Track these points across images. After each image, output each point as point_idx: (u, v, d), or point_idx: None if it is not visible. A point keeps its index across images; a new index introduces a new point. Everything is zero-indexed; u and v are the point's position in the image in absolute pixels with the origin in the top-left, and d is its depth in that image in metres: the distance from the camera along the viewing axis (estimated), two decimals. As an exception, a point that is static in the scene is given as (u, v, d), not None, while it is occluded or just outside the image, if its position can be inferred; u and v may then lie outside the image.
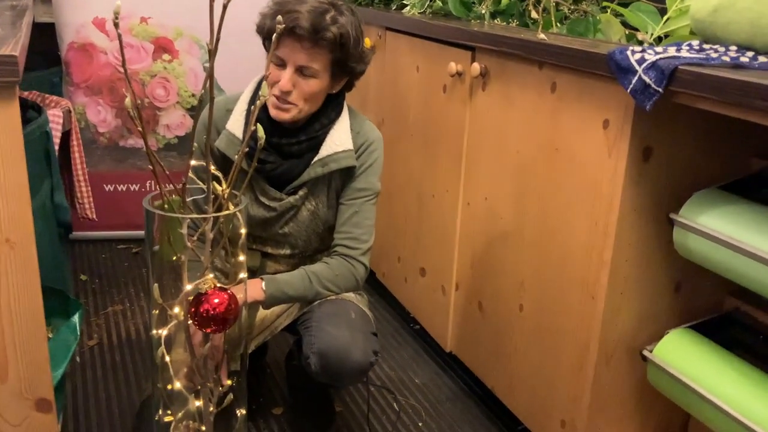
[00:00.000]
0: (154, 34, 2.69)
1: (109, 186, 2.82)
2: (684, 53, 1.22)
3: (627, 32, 1.46)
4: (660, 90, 1.16)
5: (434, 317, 2.08)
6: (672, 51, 1.23)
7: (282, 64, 1.44)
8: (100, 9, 2.62)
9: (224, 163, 1.54)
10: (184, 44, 2.72)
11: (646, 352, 1.42)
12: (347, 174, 1.56)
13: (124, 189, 2.84)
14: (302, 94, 1.45)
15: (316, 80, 1.45)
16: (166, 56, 2.72)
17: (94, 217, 2.49)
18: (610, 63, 1.26)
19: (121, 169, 2.81)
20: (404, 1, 2.20)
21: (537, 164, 1.55)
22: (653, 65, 1.17)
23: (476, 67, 1.70)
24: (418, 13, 2.07)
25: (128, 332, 2.21)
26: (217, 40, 1.09)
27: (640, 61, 1.19)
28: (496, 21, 1.85)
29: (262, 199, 1.56)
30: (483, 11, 1.80)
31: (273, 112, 1.47)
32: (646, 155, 1.32)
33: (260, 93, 1.18)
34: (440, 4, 2.01)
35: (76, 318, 1.57)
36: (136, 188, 2.85)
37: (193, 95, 2.78)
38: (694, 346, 1.40)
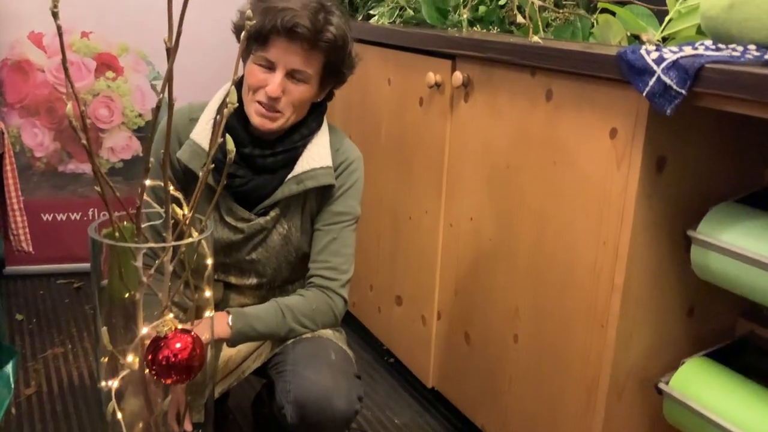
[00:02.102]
0: (96, 49, 2.48)
1: (46, 215, 2.57)
2: (702, 52, 1.10)
3: (628, 34, 1.34)
4: (683, 92, 1.04)
5: (413, 350, 1.91)
6: (689, 50, 1.11)
7: (270, 67, 1.28)
8: (37, 23, 2.40)
9: (186, 178, 1.35)
10: (130, 60, 2.52)
11: (662, 385, 1.29)
12: (324, 195, 1.39)
13: (64, 218, 2.60)
14: (291, 100, 1.29)
15: (307, 86, 1.30)
16: (109, 74, 2.51)
17: (30, 249, 2.25)
18: (621, 64, 1.13)
19: (61, 197, 2.58)
20: (371, 12, 2.06)
21: (531, 180, 1.41)
22: (674, 64, 1.05)
23: (458, 76, 1.56)
24: (388, 22, 1.93)
25: (71, 378, 1.97)
26: (178, 35, 0.92)
27: (659, 61, 1.07)
28: (474, 28, 1.72)
29: (228, 219, 1.37)
30: (461, 18, 1.67)
31: (257, 121, 1.30)
32: (660, 166, 1.19)
33: (228, 99, 1.01)
34: (411, 12, 1.87)
35: (9, 368, 1.36)
36: (77, 217, 2.61)
37: (140, 115, 2.57)
38: (713, 376, 1.27)
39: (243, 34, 1.02)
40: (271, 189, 1.35)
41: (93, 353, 2.11)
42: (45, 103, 2.46)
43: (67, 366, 2.04)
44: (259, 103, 1.28)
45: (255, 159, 1.32)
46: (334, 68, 1.32)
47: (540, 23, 1.47)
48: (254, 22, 1.25)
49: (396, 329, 2.00)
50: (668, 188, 1.21)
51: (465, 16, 1.63)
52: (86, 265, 2.71)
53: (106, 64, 2.50)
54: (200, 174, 1.30)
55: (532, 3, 1.54)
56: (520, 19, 1.48)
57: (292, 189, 1.35)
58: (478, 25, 1.72)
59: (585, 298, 1.30)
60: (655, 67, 1.07)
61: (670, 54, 1.07)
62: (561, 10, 1.58)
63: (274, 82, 1.26)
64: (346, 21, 1.32)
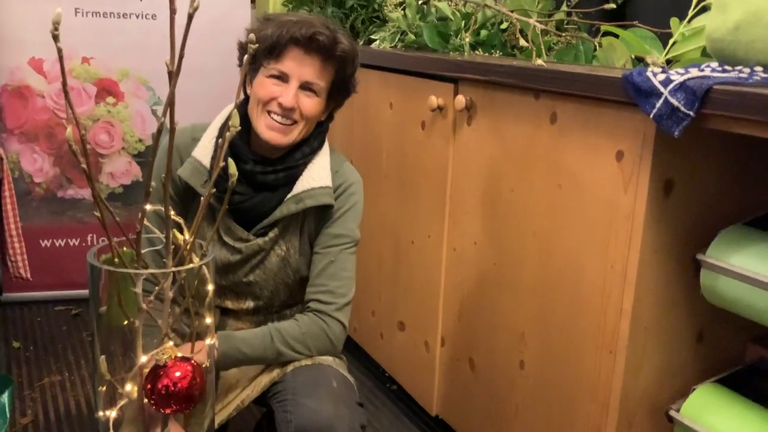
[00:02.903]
0: (96, 75, 2.48)
1: (45, 241, 2.55)
2: (709, 74, 1.09)
3: (632, 57, 1.34)
4: (692, 113, 1.02)
5: (416, 377, 1.88)
6: (695, 72, 1.10)
7: (283, 79, 1.27)
8: (37, 49, 2.40)
9: (186, 196, 1.34)
10: (130, 86, 2.52)
11: (672, 413, 1.26)
12: (322, 217, 1.37)
13: (63, 244, 2.58)
14: (305, 112, 1.29)
15: (318, 99, 1.30)
16: (110, 99, 2.51)
17: (29, 276, 2.23)
18: (626, 87, 1.12)
19: (59, 223, 2.56)
20: (372, 36, 2.05)
21: (536, 203, 1.39)
22: (681, 86, 1.04)
23: (461, 99, 1.55)
24: (389, 47, 1.92)
25: (67, 407, 1.94)
26: (180, 58, 0.91)
27: (666, 83, 1.06)
28: (476, 52, 1.72)
29: (226, 239, 1.35)
30: (463, 42, 1.66)
31: (268, 135, 1.29)
32: (668, 189, 1.17)
33: (230, 123, 1.00)
34: (413, 37, 1.87)
35: (5, 398, 1.33)
36: (76, 243, 2.59)
37: (140, 140, 2.57)
38: (724, 403, 1.24)
39: (246, 57, 1.01)
40: (270, 208, 1.33)
41: (90, 381, 2.07)
42: (44, 128, 2.46)
43: (64, 394, 2.00)
44: (271, 116, 1.27)
45: (256, 176, 1.31)
46: (342, 84, 1.33)
47: (543, 47, 1.46)
48: (268, 32, 1.25)
49: (398, 355, 1.97)
50: (676, 211, 1.19)
51: (467, 39, 1.62)
52: (85, 292, 2.67)
53: (106, 89, 2.49)
54: (200, 191, 1.30)
55: (534, 27, 1.54)
56: (522, 42, 1.48)
57: (291, 208, 1.33)
58: (480, 49, 1.71)
59: (593, 323, 1.28)
60: (662, 89, 1.06)
61: (677, 76, 1.06)
62: (563, 34, 1.57)
63: (289, 92, 1.26)
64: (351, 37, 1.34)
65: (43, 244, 2.55)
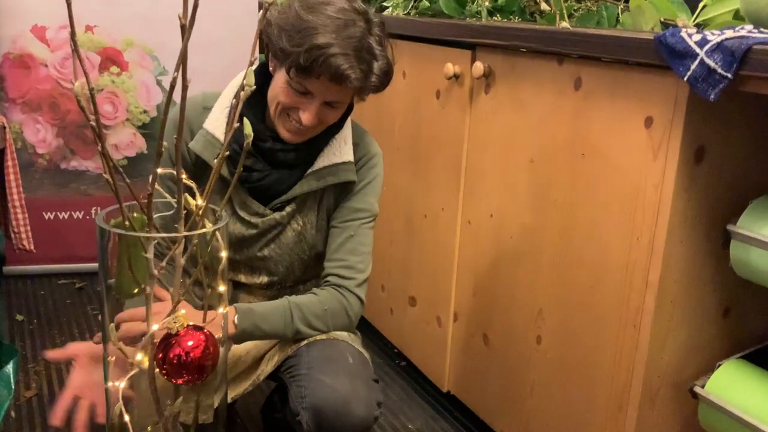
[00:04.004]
0: (100, 44, 2.42)
1: (48, 213, 2.51)
2: (747, 34, 1.03)
3: (662, 20, 1.28)
4: (729, 75, 0.97)
5: (428, 353, 1.85)
6: (730, 33, 1.05)
7: (305, 93, 1.17)
8: (40, 17, 2.34)
9: (197, 170, 1.28)
10: (135, 55, 2.46)
11: (697, 389, 1.22)
12: (342, 191, 1.32)
13: (66, 216, 2.53)
14: (326, 121, 1.22)
15: (342, 108, 1.23)
16: (114, 69, 2.45)
17: (32, 248, 2.19)
18: (659, 48, 1.07)
19: (63, 195, 2.51)
20: (384, 3, 2.00)
21: (558, 173, 1.35)
22: (718, 46, 0.99)
23: (479, 66, 1.50)
24: (403, 14, 1.87)
25: (72, 380, 1.91)
26: (194, 10, 0.86)
27: (702, 43, 1.01)
28: (494, 18, 1.66)
29: (241, 214, 1.30)
30: (480, 8, 1.61)
31: (285, 135, 1.22)
32: (699, 157, 1.13)
33: (244, 81, 0.95)
34: (427, 3, 1.81)
35: (9, 368, 1.29)
36: (80, 216, 2.55)
37: (145, 111, 2.51)
38: (751, 379, 1.21)
39: (260, 12, 0.95)
40: (289, 184, 1.28)
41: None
42: (48, 98, 2.40)
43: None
44: (290, 118, 1.20)
45: (276, 153, 1.25)
46: (370, 92, 1.24)
47: (564, 10, 1.41)
48: (302, 49, 1.11)
49: (409, 331, 1.93)
50: (707, 180, 1.15)
51: (486, 4, 1.56)
52: (89, 265, 2.65)
53: (110, 59, 2.44)
54: (214, 163, 1.24)
55: (556, -9, 1.49)
56: (544, 6, 1.42)
57: (312, 185, 1.28)
58: (498, 15, 1.66)
59: (616, 297, 1.24)
60: (697, 49, 1.01)
61: (713, 36, 1.01)
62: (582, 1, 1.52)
63: (310, 110, 1.17)
64: (389, 42, 1.22)
65: (46, 217, 2.50)
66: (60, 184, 2.50)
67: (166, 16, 2.42)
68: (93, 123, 0.86)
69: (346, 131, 1.31)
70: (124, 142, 2.52)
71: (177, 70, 0.89)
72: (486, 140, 1.54)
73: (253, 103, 1.24)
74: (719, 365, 1.23)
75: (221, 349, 1.04)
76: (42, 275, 2.53)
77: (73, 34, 0.81)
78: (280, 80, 1.18)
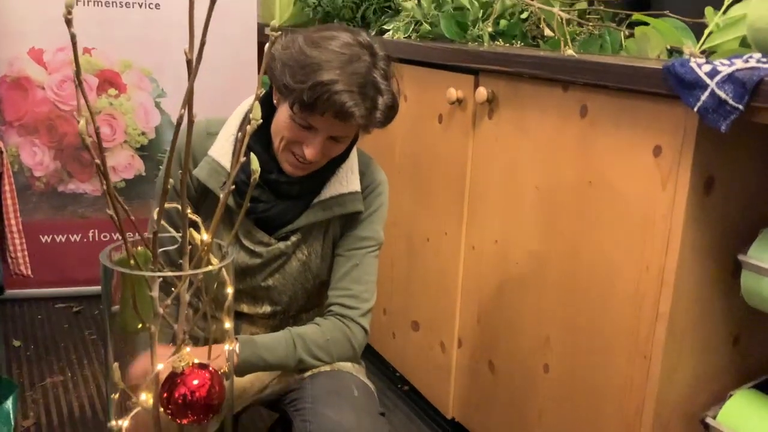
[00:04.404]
0: (98, 66, 2.41)
1: (45, 237, 2.48)
2: (756, 65, 1.03)
3: (668, 47, 1.28)
4: (741, 107, 0.97)
5: (431, 378, 1.83)
6: (740, 63, 1.04)
7: (309, 128, 1.15)
8: (37, 39, 2.33)
9: (200, 197, 1.27)
10: (133, 77, 2.45)
11: (709, 420, 1.21)
12: (348, 220, 1.30)
13: (64, 240, 2.51)
14: (329, 156, 1.21)
15: (347, 141, 1.21)
16: (112, 91, 2.44)
17: (29, 272, 2.16)
18: (669, 78, 1.06)
19: (60, 218, 2.49)
20: (384, 26, 1.99)
21: (564, 201, 1.34)
22: (729, 77, 0.98)
23: (482, 92, 1.49)
24: (403, 37, 1.86)
25: (71, 408, 1.88)
26: (201, 46, 0.85)
27: (712, 74, 1.00)
28: (497, 42, 1.66)
29: (246, 243, 1.28)
30: (482, 32, 1.60)
31: (288, 170, 1.21)
32: (708, 187, 1.12)
33: (251, 116, 0.93)
34: (428, 27, 1.80)
35: (9, 403, 1.27)
36: (77, 239, 2.52)
37: (143, 134, 2.50)
38: (762, 410, 1.19)
39: (267, 45, 0.94)
40: (295, 215, 1.27)
41: (94, 382, 2.01)
42: (45, 121, 2.39)
43: (67, 395, 1.94)
44: (293, 154, 1.18)
45: (281, 185, 1.23)
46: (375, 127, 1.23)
47: (568, 36, 1.40)
48: (305, 86, 1.09)
49: (412, 356, 1.91)
50: (716, 210, 1.14)
51: (489, 29, 1.56)
52: (86, 289, 2.62)
53: (108, 81, 2.42)
54: (219, 193, 1.22)
55: (559, 16, 1.48)
56: (548, 32, 1.42)
57: (318, 215, 1.26)
58: (500, 40, 1.65)
59: (625, 327, 1.22)
60: (708, 80, 1.00)
61: (723, 67, 1.00)
62: (588, 23, 1.51)
63: (314, 145, 1.15)
64: (395, 77, 1.20)
65: (43, 240, 2.48)
66: (57, 207, 2.48)
67: (164, 37, 2.41)
68: (98, 161, 0.84)
69: (352, 160, 1.30)
70: (122, 164, 2.50)
71: (183, 107, 0.87)
72: (489, 165, 1.53)
73: (259, 134, 1.22)
74: (730, 395, 1.22)
75: (226, 385, 1.03)
76: (39, 299, 2.50)
77: (76, 61, 0.80)
78: (283, 114, 1.17)
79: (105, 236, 2.53)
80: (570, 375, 1.36)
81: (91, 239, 2.53)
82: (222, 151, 1.24)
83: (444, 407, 1.78)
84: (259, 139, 1.22)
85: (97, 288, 2.58)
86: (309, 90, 1.09)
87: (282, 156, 1.20)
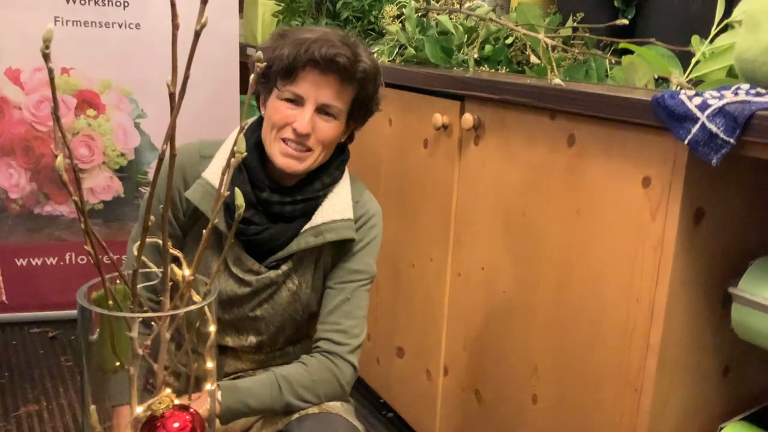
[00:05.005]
0: (76, 86, 2.37)
1: (21, 260, 2.43)
2: (746, 98, 1.02)
3: (655, 76, 1.27)
4: (732, 141, 0.96)
5: (416, 406, 1.80)
6: (730, 95, 1.03)
7: (297, 102, 1.17)
8: (14, 59, 2.29)
9: (188, 220, 1.24)
10: (112, 98, 2.41)
11: (700, 454, 1.19)
12: (340, 250, 1.27)
13: (39, 263, 2.45)
14: (321, 138, 1.18)
15: (337, 122, 1.20)
16: (90, 111, 2.40)
17: (3, 299, 2.11)
18: (657, 110, 1.05)
19: (36, 241, 2.43)
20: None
21: (551, 229, 1.32)
22: (720, 111, 0.97)
23: (468, 118, 1.47)
24: (387, 61, 1.85)
25: (45, 440, 1.82)
26: (185, 79, 0.82)
27: (702, 107, 0.99)
28: (482, 68, 1.65)
29: (235, 271, 1.24)
30: (467, 57, 1.59)
31: (282, 162, 1.18)
32: (698, 218, 1.11)
33: (235, 148, 0.91)
34: (413, 51, 1.79)
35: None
36: (54, 262, 2.47)
37: (122, 154, 2.46)
38: (754, 443, 1.18)
39: (252, 76, 0.92)
40: (286, 240, 1.23)
41: (70, 411, 1.96)
42: (21, 142, 2.34)
43: (42, 426, 1.88)
44: (285, 141, 1.17)
45: (272, 205, 1.21)
46: (363, 104, 1.23)
47: (554, 62, 1.39)
48: (284, 52, 1.15)
49: (397, 383, 1.88)
50: (706, 241, 1.13)
51: (475, 55, 1.54)
52: (63, 313, 2.56)
53: (87, 101, 2.38)
54: (210, 217, 1.19)
55: (544, 42, 1.47)
56: (534, 59, 1.41)
57: (309, 242, 1.23)
58: (485, 65, 1.64)
59: (615, 359, 1.21)
60: (698, 113, 0.99)
61: (714, 100, 0.99)
62: (573, 50, 1.50)
63: (304, 117, 1.15)
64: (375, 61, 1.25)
65: (18, 263, 2.42)
66: (33, 230, 2.42)
67: (144, 57, 2.37)
68: (76, 198, 0.81)
69: (345, 188, 1.27)
70: (101, 185, 2.45)
71: (165, 142, 0.84)
72: (476, 191, 1.51)
73: (254, 150, 1.21)
74: (721, 428, 1.20)
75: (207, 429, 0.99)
76: (13, 324, 2.44)
77: (54, 97, 0.77)
78: (270, 104, 1.19)
79: (82, 259, 2.47)
80: (559, 406, 1.34)
81: (67, 262, 2.48)
82: (217, 173, 1.21)
83: (430, 436, 1.76)
84: (257, 156, 1.20)
85: (73, 312, 2.53)
86: (287, 49, 1.13)
87: (273, 149, 1.18)
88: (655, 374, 1.14)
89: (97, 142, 2.42)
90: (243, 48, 2.57)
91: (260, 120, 1.24)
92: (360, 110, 1.23)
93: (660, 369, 1.14)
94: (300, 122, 1.15)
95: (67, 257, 2.48)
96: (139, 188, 2.51)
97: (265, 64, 0.97)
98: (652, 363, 1.14)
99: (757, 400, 1.28)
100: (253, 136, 1.23)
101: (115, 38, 2.35)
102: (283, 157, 1.17)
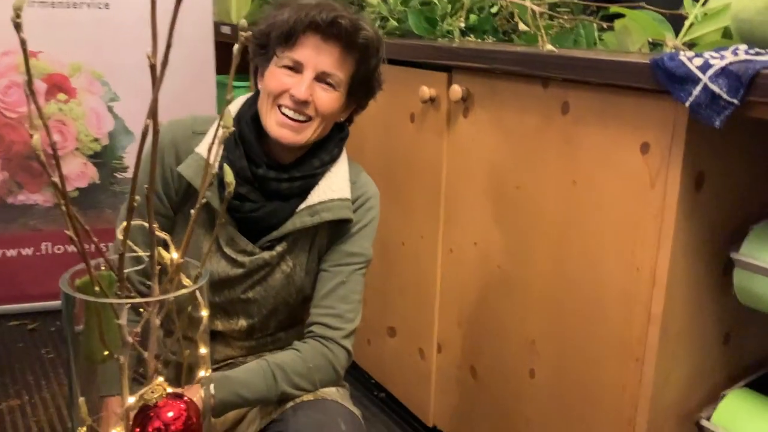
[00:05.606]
0: (46, 70, 2.28)
1: (-5, 252, 2.35)
2: (746, 57, 0.99)
3: (650, 40, 1.24)
4: (736, 101, 0.93)
5: (410, 385, 1.77)
6: (730, 55, 1.01)
7: (296, 69, 1.12)
8: (-22, 42, 2.20)
9: (180, 198, 1.19)
10: (83, 81, 2.32)
11: (704, 422, 1.18)
12: (337, 232, 1.23)
13: (15, 254, 2.38)
14: (320, 107, 1.13)
15: (336, 93, 1.14)
16: (61, 96, 2.31)
17: (-21, 291, 2.05)
18: (657, 73, 1.02)
19: (10, 231, 2.36)
20: (348, 23, 1.92)
21: (547, 201, 1.29)
22: (723, 71, 0.94)
23: (457, 90, 1.44)
24: (369, 34, 1.79)
25: (29, 435, 1.77)
26: (167, 49, 0.77)
27: (704, 68, 0.96)
28: (468, 38, 1.61)
29: (227, 251, 1.19)
30: (452, 28, 1.55)
31: (278, 133, 1.13)
32: (699, 183, 1.08)
33: (222, 123, 0.86)
34: (395, 23, 1.74)
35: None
36: (30, 252, 2.39)
37: (96, 140, 2.38)
38: (756, 409, 1.17)
39: (236, 47, 0.87)
40: (281, 219, 1.19)
41: (54, 404, 1.91)
42: (-10, 129, 2.25)
43: (25, 420, 1.83)
44: (282, 110, 1.12)
45: (269, 182, 1.16)
46: (364, 78, 1.17)
47: (543, 29, 1.36)
48: (284, 17, 1.11)
49: (389, 363, 1.85)
50: (706, 207, 1.11)
51: (461, 24, 1.50)
52: (41, 305, 2.49)
53: (57, 85, 2.30)
54: (206, 193, 1.14)
55: (531, 9, 1.43)
56: (522, 26, 1.37)
57: (305, 221, 1.18)
58: (471, 35, 1.60)
59: (616, 330, 1.19)
60: (700, 74, 0.96)
61: (716, 60, 0.96)
62: (561, 17, 1.47)
63: (302, 83, 1.11)
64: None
65: (-8, 255, 2.35)
66: (6, 220, 2.34)
67: (115, 38, 2.29)
68: (56, 179, 0.76)
69: (343, 167, 1.22)
70: (75, 172, 2.38)
71: (149, 116, 0.79)
72: (467, 166, 1.48)
73: (252, 124, 1.17)
74: (723, 395, 1.19)
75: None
76: (-10, 317, 2.37)
77: (28, 70, 0.72)
78: (269, 73, 1.15)
79: (59, 249, 2.40)
80: (558, 380, 1.32)
81: (44, 252, 2.41)
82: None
83: (424, 415, 1.73)
84: (254, 130, 1.16)
85: (52, 303, 2.47)
86: (288, 14, 1.10)
87: (270, 119, 1.14)
88: (658, 344, 1.12)
89: (70, 127, 2.34)
90: (217, 26, 2.49)
91: (257, 94, 1.19)
92: (361, 85, 1.18)
93: (663, 338, 1.12)
94: (298, 89, 1.10)
95: (44, 247, 2.41)
96: (115, 174, 2.43)
97: (250, 33, 0.92)
98: (655, 332, 1.12)
99: (757, 367, 1.28)
100: (251, 110, 1.18)
101: (84, 19, 2.27)
102: (278, 127, 1.12)
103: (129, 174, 2.42)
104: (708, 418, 1.18)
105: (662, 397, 1.16)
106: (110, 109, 2.37)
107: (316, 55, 1.11)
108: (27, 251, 2.39)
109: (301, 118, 1.13)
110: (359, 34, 1.12)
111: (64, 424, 1.82)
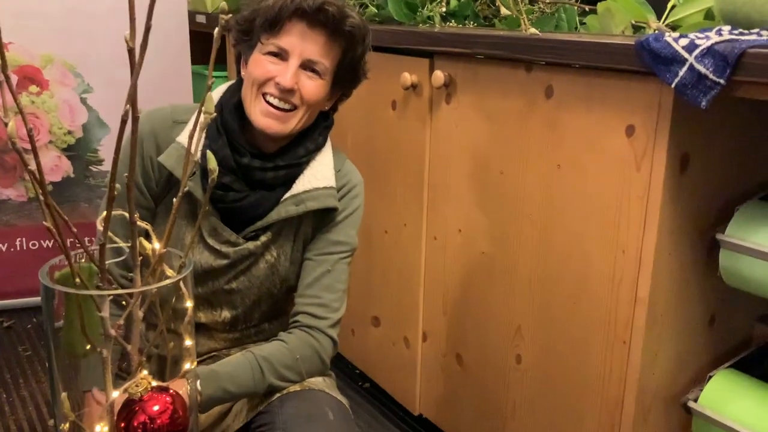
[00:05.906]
0: (16, 62, 2.22)
1: (-32, 248, 2.30)
2: (731, 36, 0.99)
3: (633, 22, 1.24)
4: (722, 81, 0.93)
5: (395, 374, 1.76)
6: (715, 36, 1.00)
7: (281, 56, 1.10)
8: (-54, 34, 2.13)
9: (161, 189, 1.17)
10: (56, 73, 2.27)
11: (691, 403, 1.18)
12: (321, 220, 1.21)
13: (-12, 250, 2.33)
14: (306, 96, 1.11)
15: (322, 82, 1.12)
16: (33, 88, 2.26)
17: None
18: (642, 54, 1.01)
19: (-17, 227, 2.31)
20: (326, 10, 1.89)
21: (531, 186, 1.29)
22: (709, 51, 0.94)
23: (439, 75, 1.42)
24: (348, 20, 1.77)
25: (8, 434, 1.74)
26: (146, 31, 0.75)
27: (690, 48, 0.96)
28: (449, 24, 1.59)
29: (210, 242, 1.17)
30: (434, 13, 1.53)
31: (263, 123, 1.11)
32: (684, 165, 1.08)
33: (203, 108, 0.84)
34: (374, 9, 1.72)
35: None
36: (3, 248, 2.34)
37: (70, 132, 2.33)
38: (742, 389, 1.18)
39: (217, 30, 0.85)
40: (266, 208, 1.17)
41: (32, 402, 1.87)
42: (-41, 123, 2.19)
43: (4, 419, 1.79)
44: (267, 99, 1.10)
45: (253, 171, 1.13)
46: (350, 67, 1.16)
47: (524, 14, 1.35)
48: (269, 2, 1.08)
49: (373, 352, 1.84)
50: (692, 189, 1.11)
51: (442, 10, 1.49)
52: (17, 302, 2.44)
53: (28, 77, 2.24)
54: (187, 183, 1.11)
55: (513, -6, 1.42)
56: (504, 11, 1.36)
57: (290, 210, 1.16)
58: (452, 21, 1.58)
59: (602, 313, 1.19)
60: (686, 54, 0.96)
61: (701, 40, 0.96)
62: (545, 0, 1.46)
63: (288, 71, 1.08)
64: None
65: (-35, 252, 2.29)
66: (-22, 216, 2.29)
67: (86, 28, 2.24)
68: (33, 167, 0.74)
69: (327, 156, 1.21)
70: (49, 166, 2.32)
71: (127, 103, 0.77)
72: (450, 152, 1.47)
73: (235, 113, 1.14)
74: (710, 377, 1.20)
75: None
76: (-36, 316, 2.32)
77: (2, 56, 0.69)
78: (252, 60, 1.12)
79: (34, 244, 2.35)
80: (545, 365, 1.32)
81: (18, 248, 2.36)
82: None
83: (410, 404, 1.73)
84: (237, 118, 1.14)
85: (28, 300, 2.42)
86: (272, 2, 1.07)
87: (254, 108, 1.11)
88: (644, 326, 1.12)
89: (42, 120, 2.29)
90: (192, 15, 2.45)
91: (240, 82, 1.17)
92: (347, 74, 1.16)
93: (649, 320, 1.12)
94: (283, 76, 1.08)
95: (18, 243, 2.35)
96: (90, 167, 2.39)
97: (231, 15, 0.90)
98: (641, 315, 1.12)
99: (742, 346, 1.28)
100: (233, 98, 1.16)
101: (55, 9, 2.21)
102: (263, 117, 1.10)
103: (104, 167, 2.38)
104: (695, 400, 1.18)
105: (649, 379, 1.16)
106: (84, 101, 2.32)
107: (302, 42, 1.09)
108: (1, 247, 2.34)
109: (287, 106, 1.11)
110: (346, 21, 1.10)
111: (43, 423, 1.79)
